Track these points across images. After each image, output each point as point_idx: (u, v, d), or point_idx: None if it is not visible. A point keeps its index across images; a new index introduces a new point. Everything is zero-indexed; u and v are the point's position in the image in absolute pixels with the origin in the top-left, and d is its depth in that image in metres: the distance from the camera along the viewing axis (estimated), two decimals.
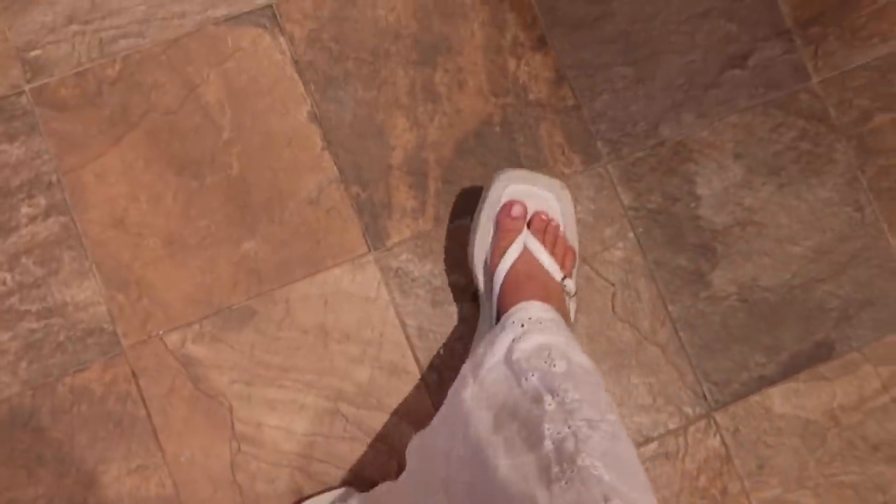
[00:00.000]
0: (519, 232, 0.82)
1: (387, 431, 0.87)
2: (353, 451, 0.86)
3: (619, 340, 0.90)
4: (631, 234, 0.92)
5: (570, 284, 0.82)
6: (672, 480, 0.89)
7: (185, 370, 0.86)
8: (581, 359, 0.70)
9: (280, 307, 0.87)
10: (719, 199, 0.93)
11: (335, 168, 0.90)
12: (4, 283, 0.85)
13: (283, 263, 0.88)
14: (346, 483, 0.86)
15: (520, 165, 0.91)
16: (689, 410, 0.90)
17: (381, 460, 0.87)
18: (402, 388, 0.88)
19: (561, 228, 0.84)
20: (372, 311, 0.88)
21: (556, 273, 0.81)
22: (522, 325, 0.72)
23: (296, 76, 0.90)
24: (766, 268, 0.93)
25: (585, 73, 0.93)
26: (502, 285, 0.80)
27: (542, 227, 0.82)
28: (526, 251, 0.81)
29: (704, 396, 0.90)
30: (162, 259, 0.87)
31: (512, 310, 0.74)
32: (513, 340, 0.71)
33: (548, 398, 0.63)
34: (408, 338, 0.88)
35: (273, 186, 0.89)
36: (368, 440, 0.87)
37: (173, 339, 0.86)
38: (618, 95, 0.93)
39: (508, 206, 0.82)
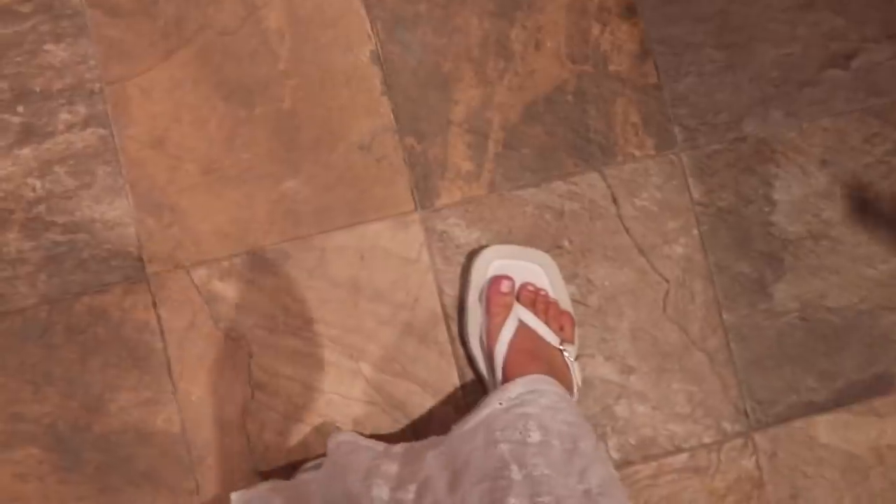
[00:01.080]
0: (510, 307, 0.81)
1: (406, 400, 0.85)
2: (368, 415, 0.84)
3: (666, 342, 0.87)
4: (695, 231, 0.87)
5: (570, 350, 0.81)
6: (697, 496, 0.86)
7: (207, 307, 0.83)
8: (565, 417, 0.69)
9: (314, 255, 0.84)
10: (796, 206, 0.88)
11: (392, 115, 0.86)
12: (34, 189, 0.83)
13: (323, 209, 0.85)
14: None
15: (588, 140, 0.87)
16: (727, 426, 0.87)
17: (397, 429, 0.84)
18: (429, 357, 0.85)
19: (551, 295, 0.83)
20: (410, 273, 0.85)
21: (554, 340, 0.80)
22: (511, 398, 0.70)
23: (363, 12, 0.86)
24: (835, 287, 0.88)
25: (673, 51, 0.88)
26: (504, 365, 0.79)
27: (532, 299, 0.82)
28: (521, 325, 0.80)
29: (746, 414, 0.87)
30: (198, 187, 0.84)
31: (508, 384, 0.73)
32: (495, 408, 0.70)
33: (514, 468, 0.62)
34: (443, 307, 0.85)
35: (324, 126, 0.85)
36: (386, 406, 0.85)
37: (200, 273, 0.84)
38: (704, 80, 0.88)
39: (497, 282, 0.82)
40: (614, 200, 0.87)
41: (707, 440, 0.87)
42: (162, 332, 0.83)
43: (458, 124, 0.86)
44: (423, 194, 0.86)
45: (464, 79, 0.87)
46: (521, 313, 0.81)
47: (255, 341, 0.84)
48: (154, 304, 0.83)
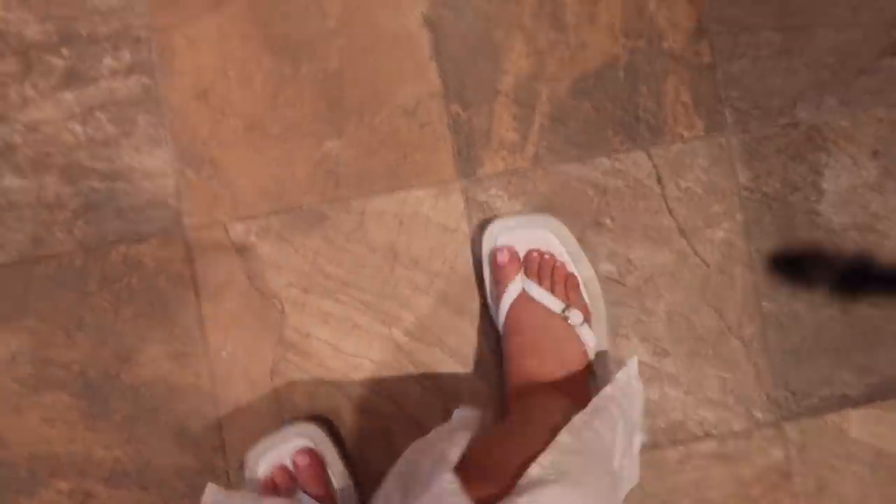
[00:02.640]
0: (513, 276, 0.83)
1: (438, 369, 0.87)
2: (399, 383, 0.87)
3: (701, 326, 0.89)
4: (739, 216, 0.89)
5: (573, 315, 0.82)
6: (723, 483, 0.89)
7: (243, 263, 0.86)
8: None
9: (353, 218, 0.87)
10: (844, 197, 0.90)
11: (439, 81, 0.88)
12: (74, 134, 0.85)
13: (364, 172, 0.87)
14: (387, 417, 0.86)
15: (637, 118, 0.88)
16: (758, 415, 0.89)
17: (427, 398, 0.87)
18: (462, 328, 0.87)
19: (559, 259, 0.85)
20: (448, 241, 0.87)
21: (556, 306, 0.82)
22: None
23: None
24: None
25: (729, 31, 0.89)
26: (504, 334, 0.83)
27: (537, 264, 0.84)
28: (521, 295, 0.83)
29: (778, 404, 0.89)
30: (240, 142, 0.86)
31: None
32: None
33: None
34: (479, 278, 0.87)
35: (370, 88, 0.87)
36: (417, 374, 0.87)
37: (237, 229, 0.86)
38: (758, 63, 0.90)
39: (493, 255, 0.85)
40: (659, 180, 0.89)
41: (737, 428, 0.89)
42: (196, 287, 0.86)
43: (505, 94, 0.88)
44: (466, 163, 0.88)
45: (514, 48, 0.88)
46: (523, 283, 0.83)
47: (288, 301, 0.86)
48: (189, 258, 0.86)
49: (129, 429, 0.85)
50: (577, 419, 0.67)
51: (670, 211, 0.89)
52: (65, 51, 0.85)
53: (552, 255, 0.85)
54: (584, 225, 0.88)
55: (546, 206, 0.87)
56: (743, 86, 0.89)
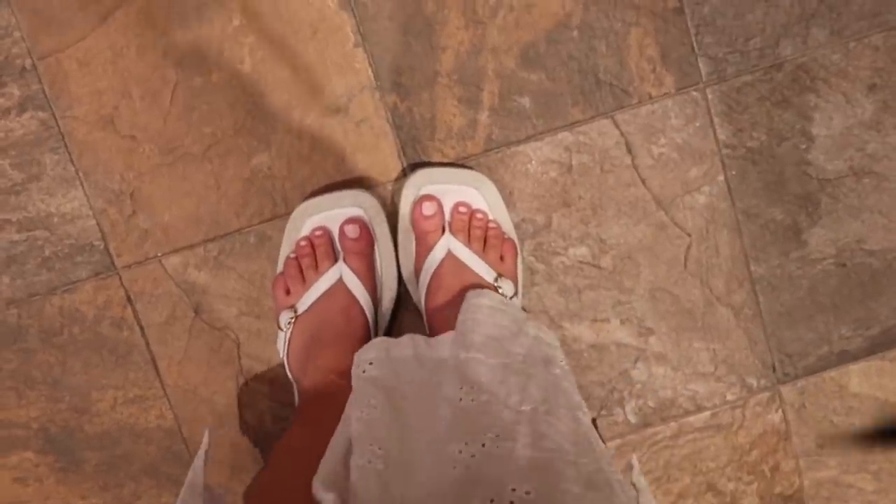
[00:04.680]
0: (437, 232, 0.78)
1: None
2: None
3: (687, 299, 0.86)
4: (721, 177, 0.84)
5: (506, 286, 0.76)
6: (720, 453, 0.90)
7: (187, 298, 0.83)
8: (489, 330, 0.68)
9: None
10: (837, 141, 0.84)
11: (369, 70, 0.81)
12: None
13: (301, 183, 0.82)
14: None
15: (598, 82, 0.81)
16: (752, 382, 0.88)
17: None
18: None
19: (490, 218, 0.79)
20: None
21: (487, 274, 0.77)
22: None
23: None
24: (877, 229, 0.86)
25: None
26: (426, 298, 0.78)
27: (466, 223, 0.78)
28: (449, 255, 0.77)
29: (773, 368, 0.88)
30: (159, 169, 0.81)
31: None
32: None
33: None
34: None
35: (292, 89, 0.81)
36: None
37: (174, 262, 0.83)
38: None
39: (419, 204, 0.78)
40: (628, 149, 0.83)
41: (731, 397, 0.88)
42: (141, 328, 0.84)
43: (446, 75, 0.81)
44: (412, 158, 0.82)
45: (450, 21, 0.80)
46: (450, 242, 0.77)
47: (241, 330, 0.84)
48: (129, 300, 0.83)
49: (103, 476, 0.86)
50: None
51: (644, 181, 0.84)
52: None
53: (483, 214, 0.80)
54: (551, 208, 0.84)
55: (505, 193, 0.83)
56: (717, 28, 0.81)
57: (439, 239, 0.78)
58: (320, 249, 0.78)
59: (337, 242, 0.79)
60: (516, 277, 0.80)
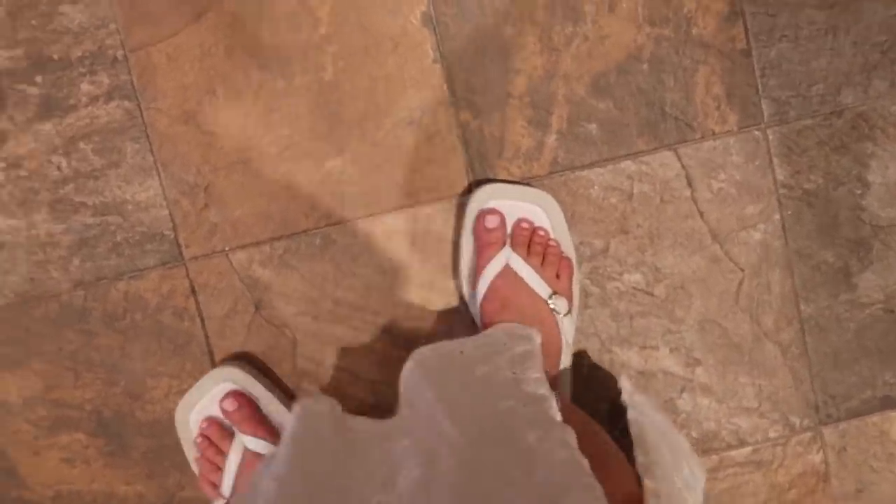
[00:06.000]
0: (499, 246, 0.81)
1: None
2: None
3: (736, 333, 0.89)
4: (777, 216, 0.87)
5: (559, 303, 0.80)
6: (758, 490, 0.91)
7: (249, 293, 0.87)
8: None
9: (361, 240, 0.86)
10: (892, 189, 0.87)
11: (445, 87, 0.85)
12: (59, 168, 0.85)
13: (371, 190, 0.86)
14: None
15: (663, 115, 0.85)
16: (795, 421, 0.90)
17: None
18: None
19: (551, 236, 0.83)
20: None
21: (542, 290, 0.80)
22: None
23: None
24: None
25: (767, 12, 0.85)
26: (481, 307, 0.81)
27: (527, 238, 0.82)
28: (507, 268, 0.81)
29: (817, 408, 0.90)
30: (235, 166, 0.85)
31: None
32: None
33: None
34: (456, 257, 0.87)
35: (370, 98, 0.85)
36: None
37: (240, 257, 0.86)
38: (799, 45, 0.85)
39: (482, 216, 0.81)
40: (689, 182, 0.87)
41: (773, 434, 0.90)
42: (202, 320, 0.87)
43: (518, 97, 0.85)
44: (480, 174, 0.86)
45: (526, 46, 0.84)
46: (510, 256, 0.81)
47: (299, 329, 0.87)
48: (193, 291, 0.87)
49: (150, 464, 0.89)
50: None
51: (701, 214, 0.87)
52: (38, 78, 0.84)
53: (546, 232, 0.83)
54: (609, 234, 0.87)
55: (567, 215, 0.86)
56: (782, 72, 0.85)
57: (499, 252, 0.81)
58: (215, 436, 0.83)
59: (225, 421, 0.83)
60: (571, 296, 0.83)
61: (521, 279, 0.81)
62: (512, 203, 0.83)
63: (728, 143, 0.86)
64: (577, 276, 0.84)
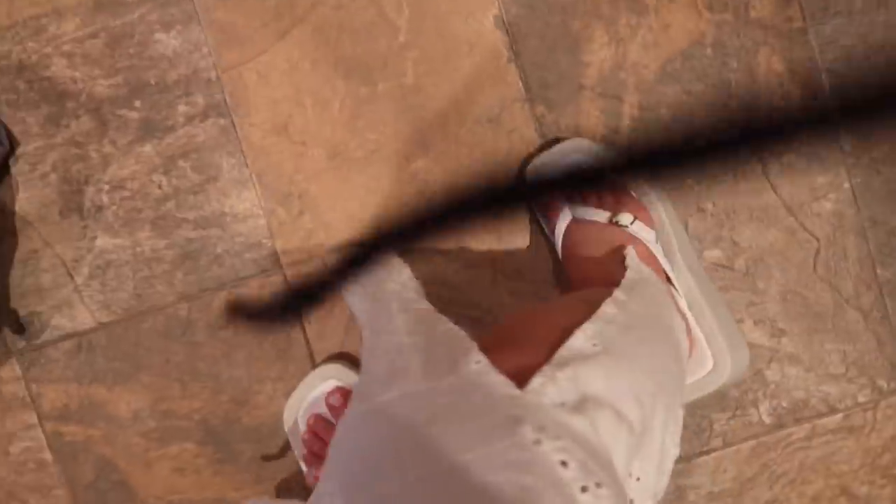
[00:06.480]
0: (559, 211, 0.86)
1: None
2: None
3: (817, 302, 0.92)
4: (846, 185, 0.91)
5: (622, 217, 0.82)
6: (852, 455, 0.93)
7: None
8: None
9: (449, 237, 0.90)
10: None
11: (520, 84, 0.90)
12: (160, 186, 0.89)
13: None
14: None
15: (730, 95, 0.90)
16: (882, 384, 0.93)
17: None
18: None
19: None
20: (550, 248, 0.91)
21: (601, 217, 0.83)
22: None
23: None
24: None
25: None
26: (563, 264, 0.87)
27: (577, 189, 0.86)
28: (570, 223, 0.85)
29: None
30: (326, 172, 0.90)
31: None
32: None
33: None
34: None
35: (450, 99, 0.90)
36: None
37: (335, 260, 0.90)
38: (853, 20, 0.90)
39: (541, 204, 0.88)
40: (759, 158, 0.91)
41: (862, 399, 0.93)
42: (302, 322, 0.91)
43: (590, 88, 0.90)
44: None
45: (594, 39, 0.89)
46: (568, 214, 0.85)
47: None
48: None
49: (258, 469, 0.91)
50: (618, 292, 0.66)
51: (774, 188, 0.91)
52: (137, 102, 0.89)
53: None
54: (687, 213, 0.91)
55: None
56: (839, 47, 0.90)
57: (561, 213, 0.86)
58: (322, 431, 0.86)
59: (331, 418, 0.87)
60: (639, 208, 0.85)
61: (585, 222, 0.84)
62: (554, 161, 0.87)
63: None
64: (645, 189, 0.87)
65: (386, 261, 0.80)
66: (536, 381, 0.52)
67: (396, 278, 0.80)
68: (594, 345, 0.57)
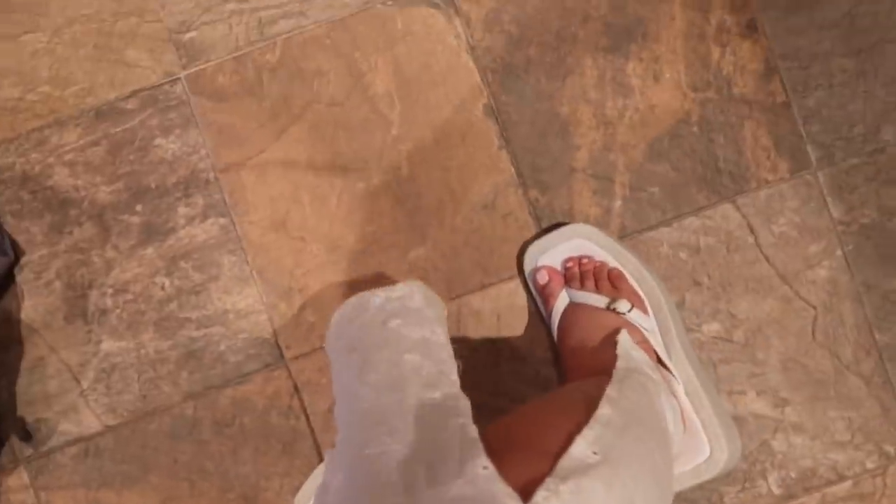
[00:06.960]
0: (555, 294, 0.89)
1: None
2: None
3: (818, 370, 0.93)
4: (839, 252, 0.93)
5: (620, 304, 0.85)
6: None
7: None
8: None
9: (450, 321, 0.91)
10: None
11: (512, 169, 0.92)
12: (163, 287, 0.91)
13: (454, 274, 0.92)
14: None
15: (718, 170, 0.92)
16: (890, 450, 0.93)
17: None
18: None
19: (597, 259, 0.90)
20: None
21: (599, 301, 0.86)
22: None
23: (471, 64, 0.92)
24: None
25: (800, 65, 0.92)
26: (559, 349, 0.88)
27: (576, 272, 0.89)
28: (569, 306, 0.88)
29: None
30: (326, 266, 0.91)
31: None
32: None
33: None
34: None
35: (445, 188, 0.92)
36: None
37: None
38: (834, 92, 0.92)
39: (534, 277, 0.90)
40: (751, 230, 0.92)
41: (870, 465, 0.93)
42: (307, 417, 0.91)
43: (581, 170, 0.92)
44: None
45: (583, 122, 0.92)
46: (567, 296, 0.88)
47: None
48: (296, 389, 0.91)
49: None
50: (610, 389, 0.68)
51: (767, 259, 0.92)
52: (138, 207, 0.91)
53: (589, 258, 0.90)
54: (683, 287, 0.92)
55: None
56: (822, 118, 0.92)
57: (558, 298, 0.88)
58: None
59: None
60: (635, 296, 0.88)
61: (582, 306, 0.87)
62: (555, 249, 0.90)
63: (782, 190, 0.92)
64: (644, 275, 0.88)
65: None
66: (540, 496, 0.53)
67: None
68: (594, 452, 0.59)
